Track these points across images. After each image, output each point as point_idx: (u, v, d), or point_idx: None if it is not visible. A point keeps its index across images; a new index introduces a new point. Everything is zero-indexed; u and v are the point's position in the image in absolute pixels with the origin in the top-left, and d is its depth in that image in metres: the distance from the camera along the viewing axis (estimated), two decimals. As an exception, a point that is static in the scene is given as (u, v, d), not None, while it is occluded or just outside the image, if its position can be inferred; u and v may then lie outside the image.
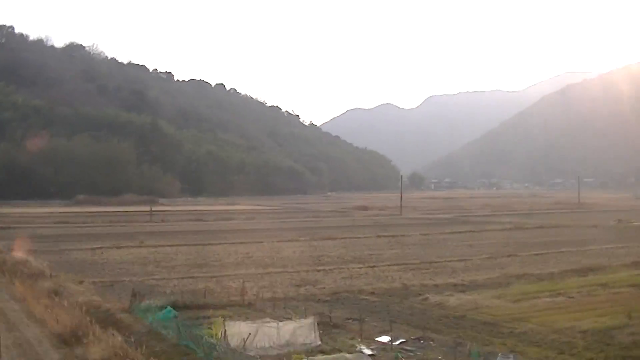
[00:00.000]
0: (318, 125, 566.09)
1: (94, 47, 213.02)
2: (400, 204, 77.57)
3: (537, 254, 34.17)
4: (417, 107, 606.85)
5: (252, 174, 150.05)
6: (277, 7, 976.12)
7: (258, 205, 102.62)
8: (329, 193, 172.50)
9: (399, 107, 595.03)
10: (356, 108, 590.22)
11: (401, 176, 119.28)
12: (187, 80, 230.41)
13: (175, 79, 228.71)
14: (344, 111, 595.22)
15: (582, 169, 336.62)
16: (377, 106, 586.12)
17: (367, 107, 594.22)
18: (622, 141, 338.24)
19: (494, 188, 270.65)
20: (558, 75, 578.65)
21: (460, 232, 49.63)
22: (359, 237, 45.36)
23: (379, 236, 46.53)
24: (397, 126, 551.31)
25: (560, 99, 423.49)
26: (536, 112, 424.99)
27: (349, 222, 64.71)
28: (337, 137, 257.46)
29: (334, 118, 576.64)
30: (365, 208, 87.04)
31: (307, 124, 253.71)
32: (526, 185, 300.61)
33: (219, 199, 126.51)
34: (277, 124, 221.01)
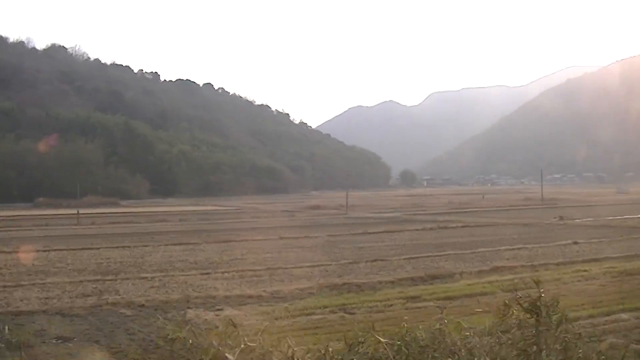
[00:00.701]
0: (320, 123, 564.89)
1: (77, 48, 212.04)
2: (346, 203, 74.70)
3: (411, 258, 31.06)
4: (420, 103, 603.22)
5: (228, 173, 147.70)
6: (278, 5, 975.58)
7: (217, 206, 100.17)
8: (313, 192, 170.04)
9: (401, 104, 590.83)
10: (358, 106, 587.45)
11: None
12: (174, 80, 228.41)
13: (162, 79, 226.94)
14: (346, 109, 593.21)
15: (582, 163, 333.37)
16: (379, 103, 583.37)
17: (369, 104, 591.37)
18: (622, 134, 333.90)
19: (489, 184, 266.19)
20: (562, 70, 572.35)
21: (375, 233, 46.38)
22: (256, 240, 42.52)
23: (281, 238, 43.56)
24: (400, 123, 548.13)
25: (560, 93, 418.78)
26: (535, 107, 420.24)
27: (280, 222, 61.86)
28: (327, 135, 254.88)
29: (336, 116, 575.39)
30: (317, 207, 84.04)
31: (297, 122, 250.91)
32: (523, 180, 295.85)
33: (190, 200, 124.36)
34: (265, 122, 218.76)
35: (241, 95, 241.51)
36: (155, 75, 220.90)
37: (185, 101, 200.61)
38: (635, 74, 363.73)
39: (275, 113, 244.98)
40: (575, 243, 34.63)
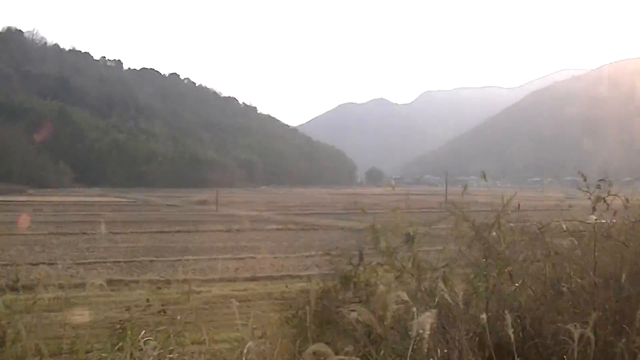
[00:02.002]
0: (310, 119, 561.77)
1: (34, 32, 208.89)
2: (217, 199, 71.82)
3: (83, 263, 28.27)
4: (412, 102, 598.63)
5: (163, 165, 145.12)
6: (271, 1, 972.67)
7: (122, 198, 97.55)
8: (263, 187, 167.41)
9: (392, 102, 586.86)
10: (348, 102, 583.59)
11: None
12: (138, 69, 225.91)
13: (127, 67, 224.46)
14: (337, 105, 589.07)
15: (563, 167, 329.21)
16: (369, 101, 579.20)
17: (359, 101, 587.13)
18: (606, 139, 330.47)
19: (460, 185, 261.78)
20: (554, 72, 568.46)
21: (164, 232, 43.72)
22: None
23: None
24: (390, 121, 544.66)
25: (546, 96, 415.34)
26: (520, 109, 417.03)
27: (121, 217, 59.01)
28: (294, 129, 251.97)
29: (326, 112, 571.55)
30: (204, 202, 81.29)
31: (264, 115, 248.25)
32: (498, 182, 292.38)
33: (115, 190, 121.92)
34: (225, 115, 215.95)
35: (207, 87, 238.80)
36: (118, 62, 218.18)
37: (143, 90, 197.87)
38: (622, 78, 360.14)
39: (242, 106, 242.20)
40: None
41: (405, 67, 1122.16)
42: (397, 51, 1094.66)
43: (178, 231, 43.65)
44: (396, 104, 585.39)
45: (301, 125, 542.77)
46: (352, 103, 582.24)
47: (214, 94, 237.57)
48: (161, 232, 43.55)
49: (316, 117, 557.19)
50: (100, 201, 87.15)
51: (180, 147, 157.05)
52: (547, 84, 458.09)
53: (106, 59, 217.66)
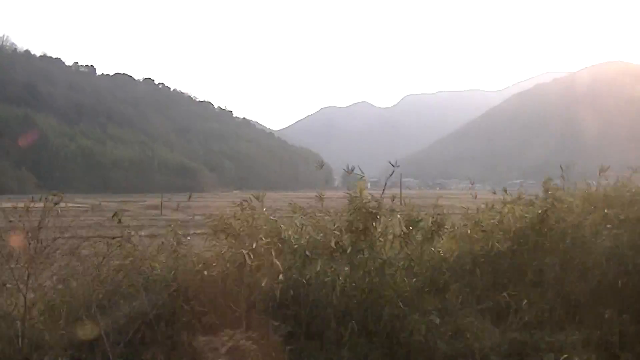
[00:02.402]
0: (292, 122, 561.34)
1: (4, 38, 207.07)
2: (161, 204, 71.64)
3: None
4: (394, 105, 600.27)
5: (132, 170, 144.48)
6: (255, 3, 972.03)
7: (77, 204, 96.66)
8: (235, 191, 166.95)
9: (374, 106, 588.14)
10: (330, 106, 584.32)
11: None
12: (112, 74, 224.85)
13: (100, 72, 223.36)
14: (319, 109, 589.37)
15: (545, 168, 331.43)
16: (351, 104, 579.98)
17: (342, 105, 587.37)
18: (585, 140, 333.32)
19: (438, 188, 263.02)
20: (538, 75, 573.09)
21: None
22: None
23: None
24: (372, 124, 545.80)
25: (527, 98, 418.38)
26: (502, 111, 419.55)
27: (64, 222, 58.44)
28: (270, 134, 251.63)
29: (308, 116, 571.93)
30: (155, 207, 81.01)
31: (240, 119, 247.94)
32: (478, 185, 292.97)
33: (80, 196, 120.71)
34: (201, 119, 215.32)
35: (182, 92, 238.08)
36: (91, 68, 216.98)
37: (115, 96, 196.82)
38: (601, 80, 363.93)
39: (217, 110, 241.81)
40: None
41: (388, 71, 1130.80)
42: (380, 54, 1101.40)
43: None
44: (379, 107, 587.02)
45: (283, 129, 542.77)
46: (335, 106, 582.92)
47: (189, 99, 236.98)
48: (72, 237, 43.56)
49: (298, 121, 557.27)
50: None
51: (149, 152, 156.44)
52: (530, 87, 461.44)
53: (79, 64, 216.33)
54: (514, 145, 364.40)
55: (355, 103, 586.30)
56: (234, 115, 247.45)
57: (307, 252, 6.41)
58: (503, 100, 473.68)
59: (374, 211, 7.12)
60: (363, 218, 6.94)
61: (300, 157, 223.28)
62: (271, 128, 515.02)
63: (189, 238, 7.34)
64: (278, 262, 5.84)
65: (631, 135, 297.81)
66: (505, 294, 6.58)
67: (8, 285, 6.07)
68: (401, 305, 6.16)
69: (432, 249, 7.06)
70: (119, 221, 6.72)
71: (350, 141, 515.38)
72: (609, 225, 7.24)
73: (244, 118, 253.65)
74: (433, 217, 7.23)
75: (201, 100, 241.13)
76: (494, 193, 8.50)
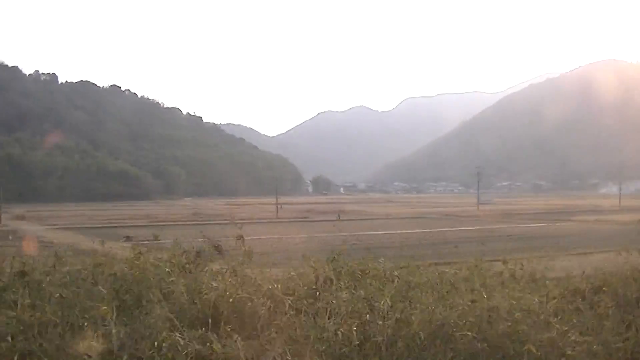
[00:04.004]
0: (290, 128, 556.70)
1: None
2: (0, 212, 66.71)
3: None
4: (392, 109, 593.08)
5: (66, 178, 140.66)
6: (251, 6, 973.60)
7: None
8: (186, 198, 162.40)
9: (372, 110, 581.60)
10: (328, 111, 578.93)
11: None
12: (75, 81, 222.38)
13: (63, 80, 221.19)
14: (316, 114, 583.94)
15: (533, 171, 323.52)
16: (349, 109, 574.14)
17: (339, 109, 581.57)
18: (579, 140, 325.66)
19: (414, 192, 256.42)
20: (538, 76, 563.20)
21: None
22: None
23: None
24: (370, 128, 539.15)
25: (520, 99, 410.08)
26: (495, 113, 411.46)
27: None
28: (241, 139, 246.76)
29: (305, 121, 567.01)
30: (22, 217, 76.35)
31: (209, 125, 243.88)
32: (460, 188, 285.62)
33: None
34: (166, 125, 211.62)
35: (149, 98, 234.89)
36: (53, 76, 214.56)
37: (72, 103, 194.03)
38: (593, 79, 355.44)
39: (186, 116, 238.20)
40: None
41: (386, 74, 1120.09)
42: (378, 58, 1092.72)
43: None
44: (377, 111, 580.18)
45: (280, 134, 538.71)
46: (332, 111, 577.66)
47: (155, 105, 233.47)
48: None
49: (296, 127, 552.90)
50: None
51: (89, 159, 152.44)
52: (524, 87, 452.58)
53: (40, 73, 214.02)
54: (501, 147, 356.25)
55: (353, 107, 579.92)
56: (204, 120, 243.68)
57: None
58: (495, 102, 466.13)
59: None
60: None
61: (267, 162, 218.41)
62: (267, 134, 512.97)
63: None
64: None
65: (625, 133, 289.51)
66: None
67: None
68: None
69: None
70: None
71: (347, 146, 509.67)
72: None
73: (214, 124, 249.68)
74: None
75: (169, 106, 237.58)
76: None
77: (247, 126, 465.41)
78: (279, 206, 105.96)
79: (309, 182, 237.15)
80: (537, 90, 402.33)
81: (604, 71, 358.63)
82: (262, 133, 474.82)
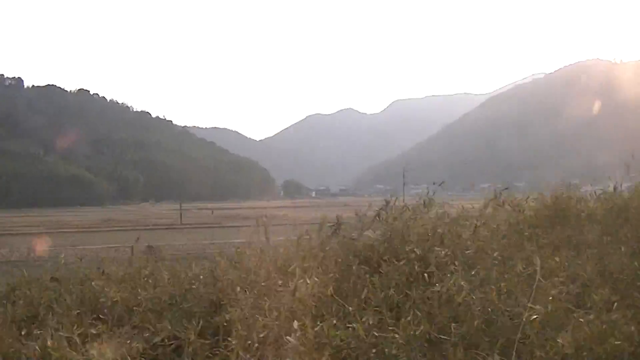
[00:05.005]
0: (278, 131, 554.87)
1: None
2: None
3: None
4: (382, 111, 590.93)
5: (12, 183, 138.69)
6: (237, 7, 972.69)
7: None
8: (143, 204, 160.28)
9: (360, 112, 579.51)
10: (316, 114, 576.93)
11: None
12: (43, 85, 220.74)
13: (30, 84, 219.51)
14: (304, 117, 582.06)
15: (513, 172, 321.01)
16: (337, 111, 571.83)
17: (327, 112, 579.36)
18: (559, 140, 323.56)
19: (389, 195, 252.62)
20: (525, 78, 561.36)
21: None
22: None
23: None
24: (357, 131, 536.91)
25: (505, 100, 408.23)
26: (478, 115, 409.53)
27: None
28: (212, 142, 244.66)
29: (293, 124, 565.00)
30: None
31: (180, 128, 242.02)
32: (434, 190, 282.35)
33: None
34: (130, 129, 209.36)
35: (118, 102, 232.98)
36: (18, 80, 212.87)
37: (33, 107, 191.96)
38: (577, 79, 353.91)
39: (155, 120, 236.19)
40: None
41: (375, 76, 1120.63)
42: (366, 60, 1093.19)
43: None
44: (365, 113, 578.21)
45: (268, 138, 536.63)
46: (321, 114, 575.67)
47: (124, 109, 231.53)
48: None
49: (284, 130, 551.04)
50: None
51: (40, 165, 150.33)
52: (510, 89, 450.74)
53: (5, 77, 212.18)
54: (485, 148, 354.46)
55: (341, 110, 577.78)
56: (174, 123, 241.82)
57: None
58: (480, 104, 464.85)
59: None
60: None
61: (236, 166, 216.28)
62: (254, 138, 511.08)
63: None
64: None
65: (611, 132, 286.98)
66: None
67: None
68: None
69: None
70: None
71: (335, 149, 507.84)
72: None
73: (184, 127, 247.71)
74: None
75: (138, 110, 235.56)
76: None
77: (233, 130, 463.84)
78: (210, 212, 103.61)
79: (280, 186, 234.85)
80: (522, 90, 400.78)
81: (589, 71, 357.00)
82: (249, 137, 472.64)
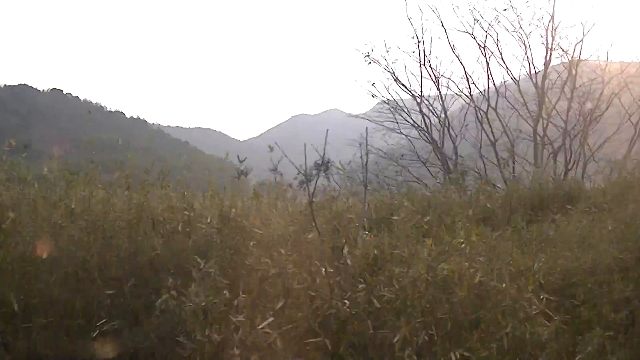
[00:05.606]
0: (263, 131, 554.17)
1: None
2: None
3: None
4: (369, 110, 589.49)
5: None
6: (217, 7, 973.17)
7: None
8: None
9: (345, 112, 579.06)
10: (301, 114, 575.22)
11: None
12: (15, 85, 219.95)
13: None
14: (289, 117, 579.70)
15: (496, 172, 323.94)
16: (323, 112, 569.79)
17: (312, 112, 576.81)
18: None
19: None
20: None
21: None
22: None
23: None
24: (343, 131, 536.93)
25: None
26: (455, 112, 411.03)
27: None
28: (186, 142, 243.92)
29: (278, 124, 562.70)
30: None
31: (155, 127, 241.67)
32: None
33: None
34: (103, 129, 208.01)
35: (92, 101, 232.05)
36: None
37: (5, 106, 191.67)
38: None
39: (129, 119, 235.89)
40: None
41: (358, 76, 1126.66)
42: (352, 59, 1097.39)
43: None
44: (351, 113, 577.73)
45: (253, 138, 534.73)
46: (305, 114, 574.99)
47: (98, 108, 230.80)
48: None
49: (268, 130, 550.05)
50: None
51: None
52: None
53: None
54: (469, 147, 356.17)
55: (327, 110, 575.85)
56: (149, 122, 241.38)
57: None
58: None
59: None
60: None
61: (205, 164, 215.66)
62: (237, 138, 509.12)
63: None
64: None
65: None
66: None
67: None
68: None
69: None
70: None
71: (319, 148, 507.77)
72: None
73: (158, 126, 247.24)
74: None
75: (112, 110, 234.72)
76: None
77: (217, 130, 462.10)
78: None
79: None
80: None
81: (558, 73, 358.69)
82: (232, 137, 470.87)
